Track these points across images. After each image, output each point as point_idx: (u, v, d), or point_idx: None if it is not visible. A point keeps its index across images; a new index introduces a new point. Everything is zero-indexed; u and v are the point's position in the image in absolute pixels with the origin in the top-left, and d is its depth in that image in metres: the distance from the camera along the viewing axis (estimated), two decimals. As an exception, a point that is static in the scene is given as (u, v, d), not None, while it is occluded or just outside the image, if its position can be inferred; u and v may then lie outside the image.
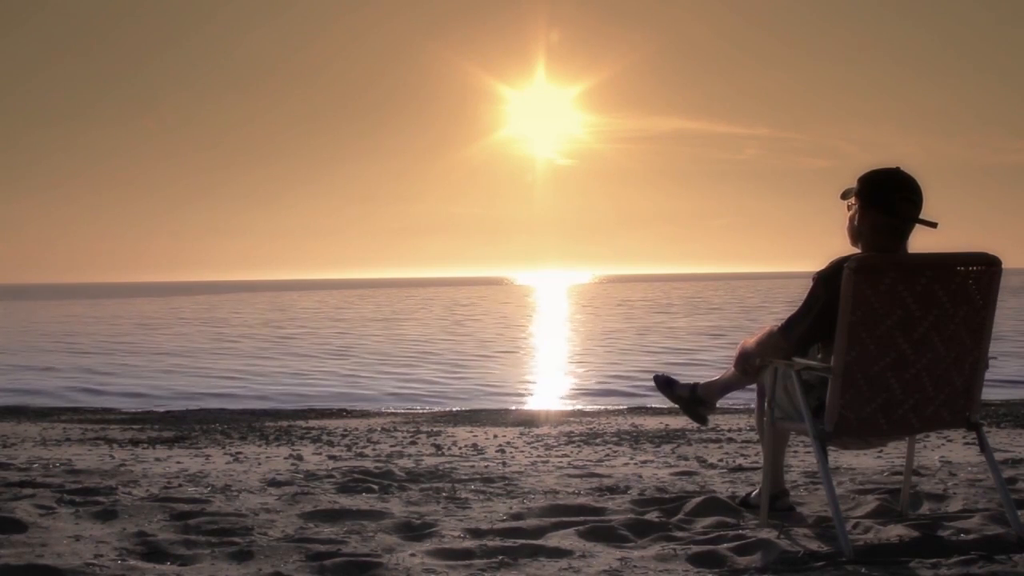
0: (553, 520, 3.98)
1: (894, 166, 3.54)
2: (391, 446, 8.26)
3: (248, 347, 29.09)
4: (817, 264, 3.61)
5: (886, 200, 3.48)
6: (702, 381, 4.26)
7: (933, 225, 3.52)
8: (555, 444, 8.34)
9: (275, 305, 70.53)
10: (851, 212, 3.61)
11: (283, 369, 21.86)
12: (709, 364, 19.90)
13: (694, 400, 4.23)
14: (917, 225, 3.53)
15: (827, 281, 3.49)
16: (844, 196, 3.65)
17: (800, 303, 3.60)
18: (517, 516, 4.13)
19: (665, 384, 4.32)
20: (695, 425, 9.97)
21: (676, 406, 4.33)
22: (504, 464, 6.43)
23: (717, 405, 4.25)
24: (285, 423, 11.53)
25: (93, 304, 79.74)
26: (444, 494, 4.72)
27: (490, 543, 3.55)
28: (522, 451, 7.76)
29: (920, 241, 3.60)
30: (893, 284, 3.36)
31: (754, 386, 4.05)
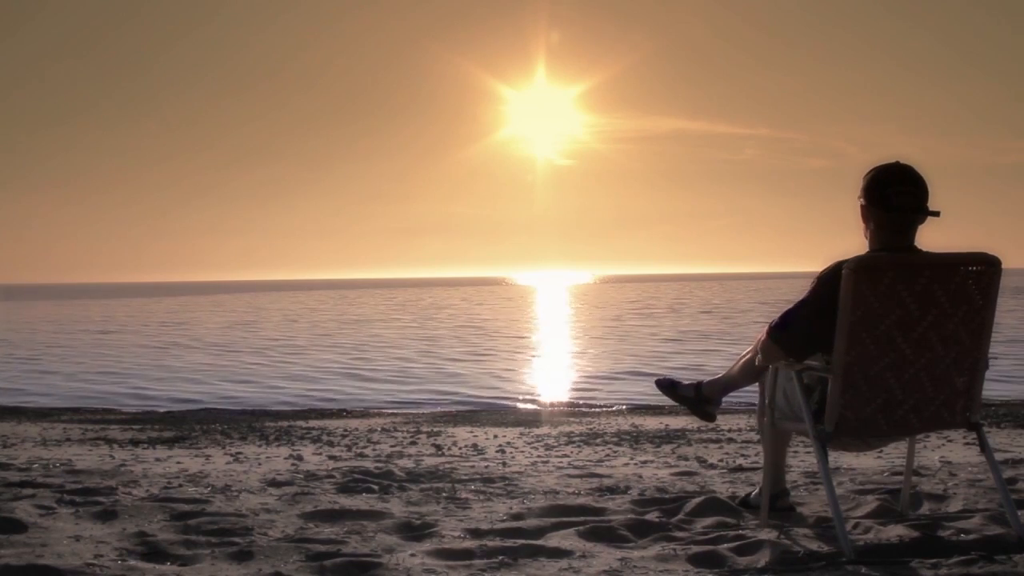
0: (553, 520, 3.98)
1: (892, 161, 3.54)
2: (391, 446, 8.26)
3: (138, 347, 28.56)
4: (817, 264, 3.62)
5: (884, 195, 3.48)
6: (705, 380, 4.27)
7: (935, 214, 3.50)
8: (555, 444, 8.33)
9: (252, 305, 69.78)
10: (861, 214, 3.62)
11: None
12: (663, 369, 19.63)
13: (700, 399, 4.23)
14: (929, 217, 3.51)
15: (827, 282, 3.48)
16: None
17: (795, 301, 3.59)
18: (517, 516, 4.13)
19: (668, 386, 4.32)
20: (695, 425, 10.00)
21: (680, 406, 4.34)
22: (504, 464, 6.43)
23: (721, 403, 4.26)
24: (285, 423, 11.52)
25: (62, 305, 78.95)
26: (444, 494, 4.72)
27: (490, 543, 3.55)
28: (522, 451, 7.75)
29: (923, 239, 3.59)
30: (892, 284, 3.36)
31: (755, 386, 4.05)
